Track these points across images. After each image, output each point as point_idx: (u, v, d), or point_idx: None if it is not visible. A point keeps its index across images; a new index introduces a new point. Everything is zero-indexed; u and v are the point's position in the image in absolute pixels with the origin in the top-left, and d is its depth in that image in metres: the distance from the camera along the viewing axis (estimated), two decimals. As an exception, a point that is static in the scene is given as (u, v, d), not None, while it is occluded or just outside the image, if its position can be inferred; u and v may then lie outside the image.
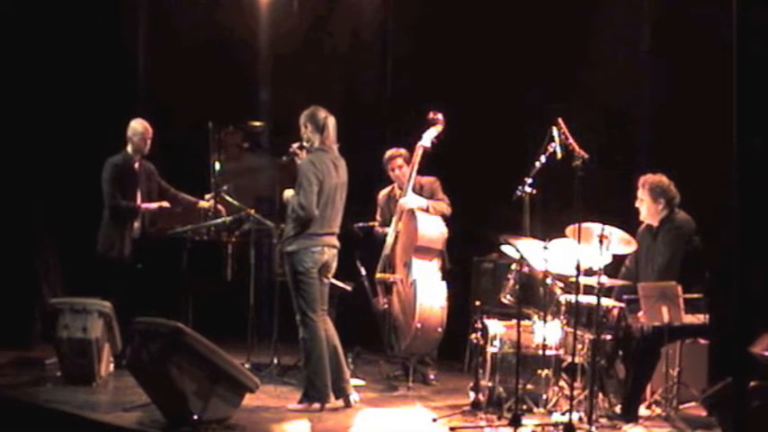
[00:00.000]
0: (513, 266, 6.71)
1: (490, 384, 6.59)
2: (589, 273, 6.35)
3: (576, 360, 6.32)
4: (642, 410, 6.48)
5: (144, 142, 7.96)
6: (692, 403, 6.57)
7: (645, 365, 6.38)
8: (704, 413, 6.20)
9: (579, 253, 6.13)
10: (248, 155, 8.32)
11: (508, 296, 6.76)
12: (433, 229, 7.56)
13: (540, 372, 6.52)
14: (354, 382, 6.94)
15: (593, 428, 5.98)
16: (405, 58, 9.18)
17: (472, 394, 6.60)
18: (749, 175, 4.23)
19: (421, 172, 7.67)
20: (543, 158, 6.66)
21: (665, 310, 6.22)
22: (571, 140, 6.39)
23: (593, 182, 6.27)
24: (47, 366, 7.65)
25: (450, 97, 8.06)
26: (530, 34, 8.17)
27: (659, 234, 6.68)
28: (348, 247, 7.01)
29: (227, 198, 7.99)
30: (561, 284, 6.68)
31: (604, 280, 6.37)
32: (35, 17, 8.90)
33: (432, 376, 7.67)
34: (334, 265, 6.71)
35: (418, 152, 7.61)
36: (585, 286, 6.36)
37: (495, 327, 6.76)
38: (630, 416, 6.30)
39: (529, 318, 6.67)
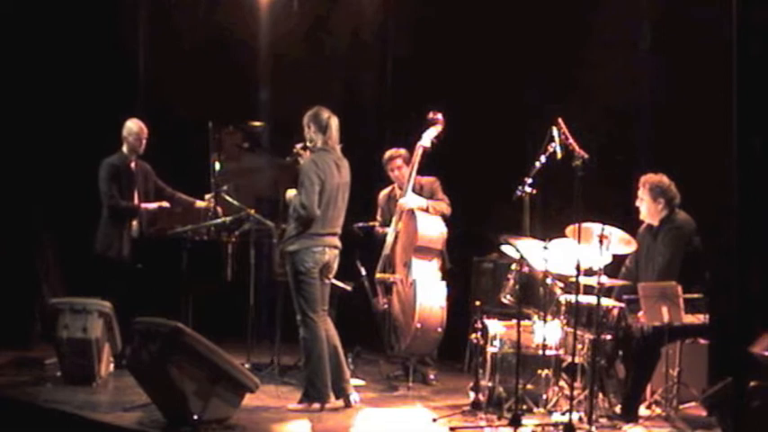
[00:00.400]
0: (513, 266, 6.71)
1: (490, 384, 6.58)
2: (589, 273, 6.35)
3: (576, 360, 6.31)
4: (642, 410, 6.48)
5: (139, 142, 7.96)
6: (692, 403, 6.56)
7: (645, 365, 6.38)
8: (704, 413, 6.19)
9: (579, 253, 6.13)
10: (248, 155, 8.31)
11: (508, 296, 6.76)
12: (433, 229, 7.56)
13: (540, 372, 6.52)
14: (354, 382, 6.94)
15: (593, 428, 5.98)
16: (405, 58, 9.18)
17: (472, 394, 6.60)
18: (749, 175, 4.23)
19: (421, 172, 7.67)
20: (543, 158, 6.66)
21: (665, 310, 6.22)
22: (571, 140, 6.39)
23: (593, 182, 6.27)
24: (47, 366, 7.64)
25: (450, 97, 8.06)
26: (530, 34, 8.17)
27: (659, 234, 6.68)
28: (348, 247, 7.01)
29: (227, 198, 7.98)
30: (561, 284, 6.68)
31: (604, 280, 6.37)
32: (35, 17, 8.90)
33: (432, 376, 7.67)
34: (336, 265, 6.70)
35: (418, 152, 7.61)
36: (585, 286, 6.36)
37: (495, 327, 6.76)
38: (630, 416, 6.30)
39: (529, 318, 6.67)
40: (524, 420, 6.08)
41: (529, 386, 6.47)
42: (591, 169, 6.22)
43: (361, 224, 7.88)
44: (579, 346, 6.38)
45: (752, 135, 4.24)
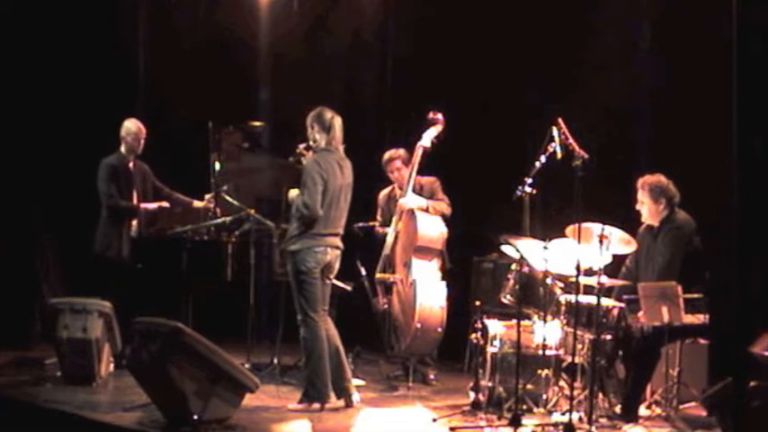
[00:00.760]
0: (513, 266, 6.71)
1: (490, 384, 6.58)
2: (589, 273, 6.35)
3: (576, 360, 6.31)
4: (642, 410, 6.48)
5: (137, 142, 7.96)
6: (692, 403, 6.56)
7: (645, 365, 6.38)
8: (704, 413, 6.19)
9: (579, 253, 6.13)
10: (248, 155, 8.31)
11: (508, 296, 6.76)
12: (433, 229, 7.56)
13: (540, 372, 6.52)
14: (354, 382, 6.93)
15: (593, 428, 5.98)
16: (405, 58, 9.18)
17: (472, 394, 6.60)
18: (749, 175, 4.23)
19: (421, 172, 7.67)
20: (543, 158, 6.66)
21: (665, 310, 6.22)
22: (571, 140, 6.38)
23: (593, 182, 6.27)
24: (47, 366, 7.64)
25: (450, 97, 8.06)
26: (530, 34, 8.17)
27: (659, 234, 6.68)
28: (348, 248, 7.00)
29: (227, 198, 7.98)
30: (561, 284, 6.68)
31: (604, 280, 6.37)
32: (35, 17, 8.90)
33: (432, 376, 7.67)
34: (337, 265, 6.70)
35: (418, 152, 7.61)
36: (585, 286, 6.36)
37: (495, 327, 6.76)
38: (630, 416, 6.30)
39: (529, 318, 6.67)
40: (524, 420, 6.08)
41: (529, 386, 6.47)
42: (591, 169, 6.22)
43: (361, 224, 7.87)
44: (579, 346, 6.38)
45: (752, 135, 4.24)
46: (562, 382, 6.62)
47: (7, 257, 8.81)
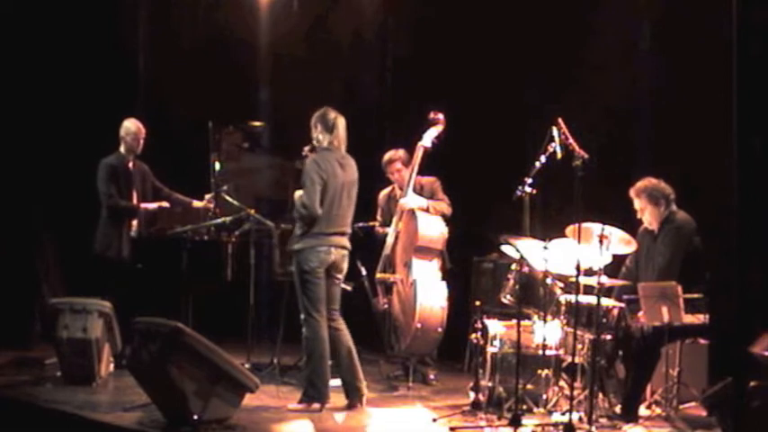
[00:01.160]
0: (513, 266, 6.71)
1: (490, 384, 6.58)
2: (589, 273, 6.35)
3: (576, 360, 6.31)
4: (642, 410, 6.48)
5: (137, 142, 7.96)
6: (692, 403, 6.56)
7: (645, 365, 6.38)
8: (704, 413, 6.19)
9: (579, 253, 6.13)
10: (248, 155, 8.31)
11: (508, 296, 6.76)
12: (434, 229, 7.56)
13: (540, 372, 6.52)
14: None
15: (593, 428, 5.98)
16: (405, 57, 9.18)
17: (472, 394, 6.60)
18: (749, 175, 4.23)
19: (421, 172, 7.67)
20: (543, 158, 6.66)
21: (665, 310, 6.22)
22: (571, 140, 6.38)
23: (593, 182, 6.27)
24: (47, 366, 7.64)
25: (450, 97, 8.06)
26: (530, 34, 8.17)
27: (659, 234, 6.67)
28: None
29: (227, 198, 7.98)
30: (561, 284, 6.68)
31: (604, 280, 6.37)
32: (35, 17, 8.90)
33: (432, 376, 7.67)
34: (345, 265, 6.70)
35: (419, 152, 7.61)
36: (585, 286, 6.36)
37: (495, 327, 6.76)
38: (630, 416, 6.30)
39: (529, 318, 6.67)
40: (524, 420, 6.08)
41: (529, 386, 6.46)
42: (591, 169, 6.22)
43: (361, 224, 7.86)
44: (579, 346, 6.38)
45: (752, 135, 4.24)
46: (562, 382, 6.61)
47: (7, 257, 8.80)
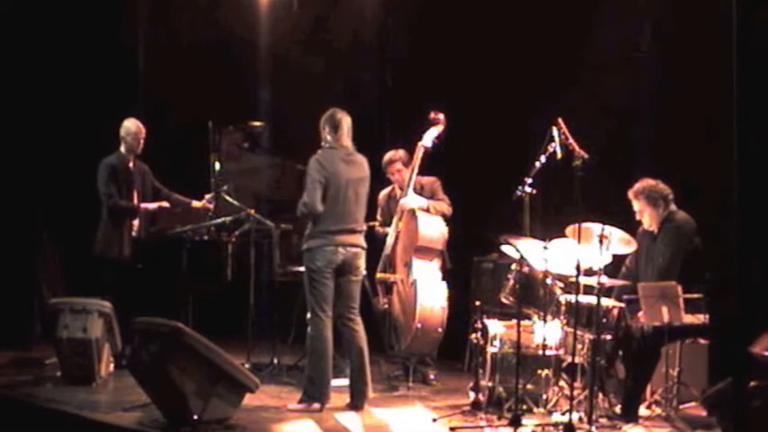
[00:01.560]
0: (513, 266, 6.71)
1: (490, 384, 6.59)
2: (589, 273, 6.35)
3: (576, 360, 6.31)
4: (642, 410, 6.48)
5: (137, 142, 7.96)
6: (692, 403, 6.56)
7: (645, 365, 6.38)
8: (704, 413, 6.19)
9: (579, 253, 6.13)
10: (248, 155, 8.31)
11: (508, 296, 6.76)
12: (434, 229, 7.56)
13: (540, 372, 6.52)
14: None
15: (593, 428, 5.98)
16: (405, 58, 9.18)
17: (472, 394, 6.60)
18: (749, 175, 4.23)
19: (421, 172, 7.67)
20: (543, 158, 6.66)
21: (665, 310, 6.22)
22: (571, 140, 6.39)
23: (593, 182, 6.27)
24: (47, 366, 7.65)
25: (450, 97, 8.05)
26: (530, 34, 8.16)
27: (659, 234, 6.67)
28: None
29: (227, 198, 7.98)
30: (561, 284, 6.68)
31: (604, 280, 6.37)
32: (35, 17, 8.90)
33: (432, 376, 7.67)
34: (360, 263, 6.68)
35: (419, 152, 7.61)
36: (585, 286, 6.36)
37: (495, 327, 6.76)
38: (630, 416, 6.29)
39: (529, 318, 6.67)
40: (524, 420, 6.08)
41: (529, 386, 6.47)
42: (591, 169, 6.22)
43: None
44: (579, 346, 6.38)
45: (752, 135, 4.24)
46: (562, 382, 6.61)
47: (7, 257, 8.80)
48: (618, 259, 6.72)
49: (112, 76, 9.25)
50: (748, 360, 5.08)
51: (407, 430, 6.33)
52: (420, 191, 7.68)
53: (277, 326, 7.95)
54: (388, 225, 7.77)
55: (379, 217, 7.97)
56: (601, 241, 6.27)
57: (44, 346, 7.99)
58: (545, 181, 6.86)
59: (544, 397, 6.51)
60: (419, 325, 7.35)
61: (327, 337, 6.53)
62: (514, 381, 6.18)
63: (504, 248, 6.82)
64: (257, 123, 8.57)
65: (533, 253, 6.48)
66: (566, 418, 5.98)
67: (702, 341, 6.78)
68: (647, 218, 6.70)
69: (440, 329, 7.43)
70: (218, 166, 8.10)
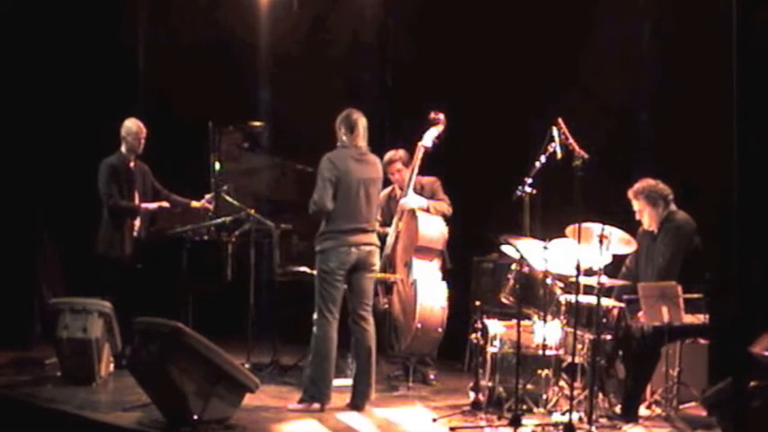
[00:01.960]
0: (513, 266, 6.71)
1: (490, 384, 6.59)
2: (589, 273, 6.35)
3: (576, 360, 6.31)
4: (642, 410, 6.48)
5: (138, 142, 7.96)
6: (692, 403, 6.56)
7: (645, 365, 6.38)
8: (704, 413, 6.19)
9: (579, 253, 6.12)
10: (248, 155, 8.31)
11: (508, 296, 6.76)
12: (434, 229, 7.56)
13: (540, 372, 6.52)
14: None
15: (593, 428, 5.98)
16: (405, 58, 9.18)
17: (472, 394, 6.60)
18: (749, 175, 4.23)
19: (421, 172, 7.67)
20: (543, 158, 6.66)
21: (665, 310, 6.22)
22: (571, 140, 6.39)
23: (593, 182, 6.27)
24: (47, 366, 7.65)
25: (450, 97, 8.05)
26: (530, 34, 8.16)
27: (659, 234, 6.67)
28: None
29: (227, 198, 7.98)
30: (561, 284, 6.68)
31: (604, 280, 6.37)
32: (35, 17, 8.90)
33: (432, 376, 7.67)
34: (375, 260, 6.70)
35: (419, 152, 7.61)
36: (585, 286, 6.36)
37: (495, 327, 6.76)
38: (630, 416, 6.30)
39: (529, 318, 6.67)
40: (524, 420, 6.08)
41: (529, 386, 6.47)
42: (591, 169, 6.22)
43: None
44: (579, 346, 6.38)
45: (752, 135, 4.24)
46: (562, 382, 6.62)
47: (7, 257, 8.80)
48: (618, 259, 6.72)
49: (112, 76, 9.25)
50: (748, 360, 5.08)
51: (407, 430, 6.33)
52: (420, 191, 7.68)
53: (277, 326, 7.94)
54: (389, 225, 7.77)
55: (379, 217, 7.96)
56: (601, 241, 6.27)
57: (44, 346, 7.98)
58: (545, 181, 6.86)
59: (544, 397, 6.51)
60: (419, 325, 7.35)
61: (332, 338, 6.54)
62: (514, 381, 6.18)
63: (504, 248, 6.82)
64: (257, 123, 8.57)
65: (533, 253, 6.48)
66: (566, 418, 5.98)
67: (702, 341, 6.78)
68: (647, 218, 6.71)
69: (440, 329, 7.43)
70: (218, 166, 8.10)
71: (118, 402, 6.53)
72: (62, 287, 8.96)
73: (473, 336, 6.83)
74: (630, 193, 6.72)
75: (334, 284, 6.52)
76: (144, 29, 9.74)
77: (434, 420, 6.36)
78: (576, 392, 6.22)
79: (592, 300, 6.31)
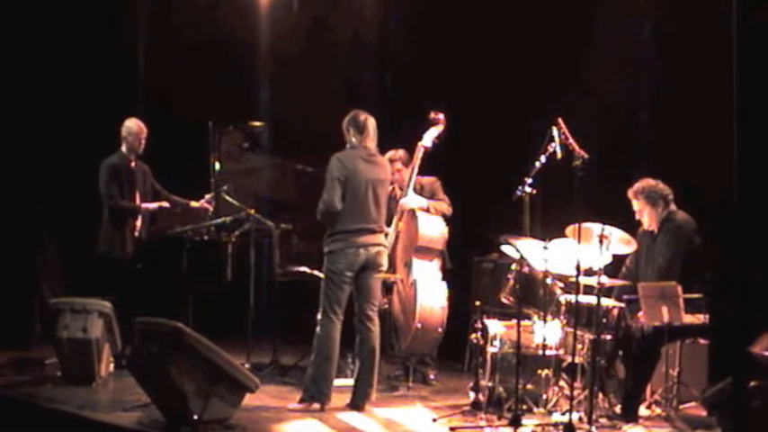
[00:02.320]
0: (513, 266, 6.71)
1: (490, 384, 6.59)
2: (589, 273, 6.35)
3: (576, 360, 6.32)
4: (642, 410, 6.48)
5: (139, 142, 7.96)
6: (692, 403, 6.56)
7: (645, 365, 6.38)
8: (704, 413, 6.19)
9: (579, 253, 6.13)
10: (248, 155, 8.31)
11: (508, 296, 6.76)
12: (434, 229, 7.56)
13: (540, 372, 6.52)
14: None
15: (593, 428, 5.98)
16: (405, 57, 9.18)
17: (472, 394, 6.60)
18: (749, 175, 4.23)
19: (421, 172, 7.67)
20: (543, 158, 6.66)
21: (665, 310, 6.22)
22: (571, 140, 6.39)
23: (593, 182, 6.27)
24: (47, 366, 7.64)
25: (450, 97, 8.05)
26: (530, 34, 8.17)
27: (659, 234, 6.68)
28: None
29: (227, 198, 7.98)
30: (561, 284, 6.68)
31: (604, 280, 6.37)
32: (35, 17, 8.90)
33: (432, 376, 7.67)
34: (383, 260, 6.69)
35: (419, 152, 7.61)
36: (585, 286, 6.36)
37: (495, 327, 6.76)
38: (630, 416, 6.30)
39: (529, 318, 6.67)
40: (524, 420, 6.08)
41: (529, 386, 6.47)
42: (591, 169, 6.22)
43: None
44: (579, 346, 6.38)
45: (752, 135, 4.24)
46: (562, 382, 6.62)
47: (7, 257, 8.80)
48: (618, 259, 6.72)
49: (112, 76, 9.25)
50: (748, 360, 5.08)
51: (407, 430, 6.33)
52: (420, 191, 7.68)
53: (277, 326, 7.94)
54: (388, 225, 7.76)
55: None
56: (601, 241, 6.27)
57: (44, 346, 7.98)
58: (545, 181, 6.86)
59: (544, 397, 6.51)
60: (419, 325, 7.35)
61: (335, 338, 6.54)
62: (514, 381, 6.18)
63: (504, 248, 6.82)
64: (257, 123, 8.57)
65: (533, 253, 6.48)
66: (566, 418, 5.98)
67: (702, 341, 6.78)
68: (647, 218, 6.71)
69: (440, 329, 7.43)
70: (218, 166, 8.10)
71: (118, 402, 6.52)
72: (62, 287, 8.96)
73: (473, 336, 6.83)
74: (630, 193, 6.72)
75: (340, 286, 6.53)
76: (144, 29, 9.74)
77: (434, 420, 6.36)
78: (576, 392, 6.22)
79: (592, 300, 6.31)
